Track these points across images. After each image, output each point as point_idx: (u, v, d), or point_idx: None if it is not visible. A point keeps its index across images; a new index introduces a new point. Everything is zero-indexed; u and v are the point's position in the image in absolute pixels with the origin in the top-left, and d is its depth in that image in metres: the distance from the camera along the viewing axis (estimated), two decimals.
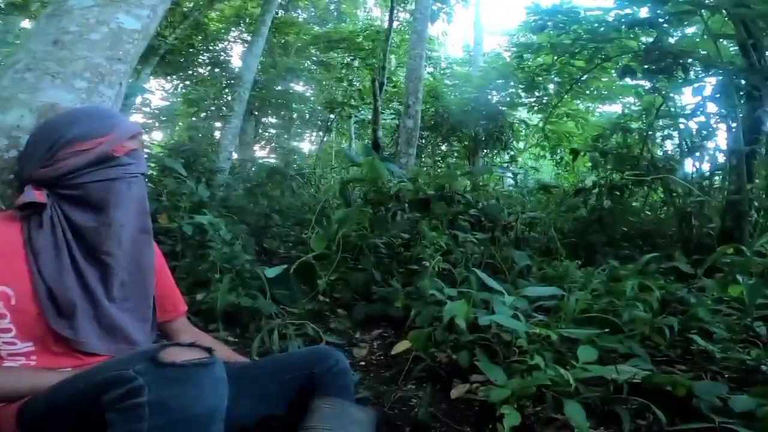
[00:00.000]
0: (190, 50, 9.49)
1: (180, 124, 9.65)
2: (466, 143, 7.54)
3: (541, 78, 6.44)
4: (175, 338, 1.33)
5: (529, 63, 6.61)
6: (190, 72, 10.27)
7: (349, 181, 2.57)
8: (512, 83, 7.22)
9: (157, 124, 9.29)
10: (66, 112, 1.09)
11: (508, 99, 7.32)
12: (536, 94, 6.84)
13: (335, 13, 10.93)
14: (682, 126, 4.15)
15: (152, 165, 3.74)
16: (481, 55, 10.77)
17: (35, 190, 0.96)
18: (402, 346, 1.96)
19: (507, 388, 1.13)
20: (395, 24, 9.49)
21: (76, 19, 1.45)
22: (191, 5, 8.38)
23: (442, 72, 10.53)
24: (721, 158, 3.46)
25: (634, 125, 4.85)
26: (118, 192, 1.02)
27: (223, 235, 2.17)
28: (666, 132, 4.75)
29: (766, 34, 3.18)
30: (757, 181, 2.64)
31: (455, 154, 7.86)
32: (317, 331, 2.09)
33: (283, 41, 9.66)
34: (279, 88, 8.86)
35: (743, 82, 3.32)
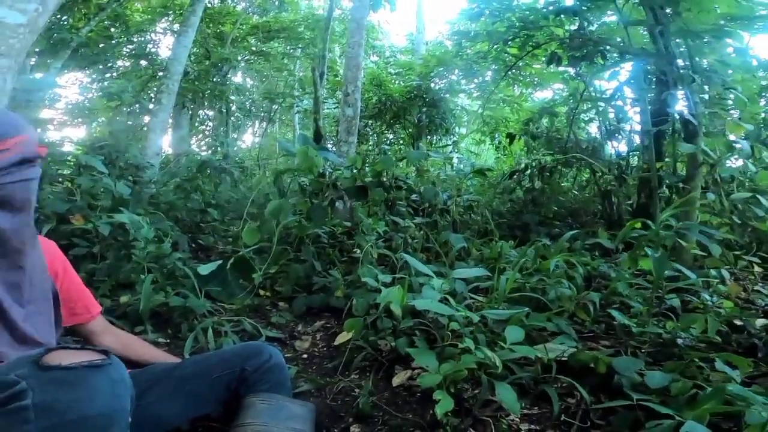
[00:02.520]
0: (111, 42, 8.76)
1: (102, 119, 8.89)
2: (410, 130, 7.60)
3: (478, 65, 6.60)
4: (92, 340, 1.30)
5: (467, 51, 6.75)
6: (110, 65, 9.49)
7: (282, 171, 2.49)
8: (452, 70, 7.34)
9: (72, 120, 8.49)
10: None
11: (449, 86, 7.45)
12: (475, 81, 7.01)
13: (276, 2, 10.49)
14: (601, 109, 4.44)
15: (68, 163, 3.41)
16: (423, 44, 10.84)
17: None
18: (344, 336, 1.95)
19: (439, 373, 1.14)
20: (338, 12, 9.29)
21: None
22: None
23: (385, 60, 10.49)
24: (636, 139, 3.75)
25: (562, 110, 5.12)
26: (34, 192, 1.00)
27: (145, 233, 2.02)
28: (588, 116, 5.05)
29: (672, 21, 3.45)
30: (666, 159, 2.88)
31: (400, 141, 7.91)
32: (255, 327, 2.02)
33: (218, 31, 9.16)
34: (215, 79, 8.39)
35: (653, 67, 3.60)
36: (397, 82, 8.41)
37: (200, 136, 11.06)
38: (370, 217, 2.37)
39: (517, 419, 1.25)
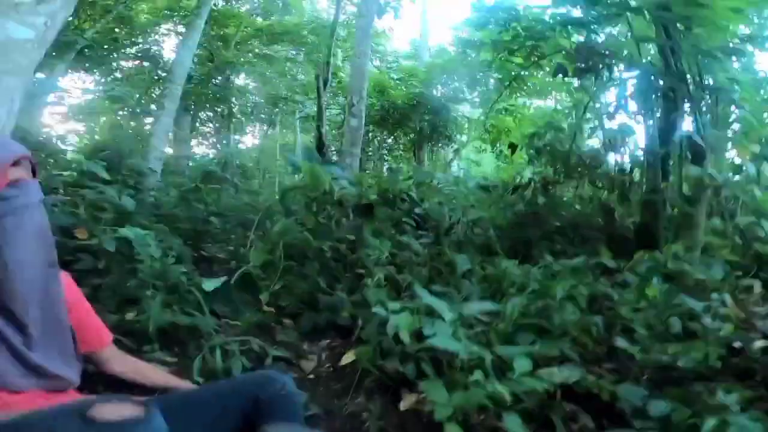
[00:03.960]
0: (115, 44, 8.75)
1: (105, 121, 8.87)
2: (411, 137, 7.63)
3: (482, 74, 6.63)
4: (105, 368, 1.30)
5: (471, 59, 6.78)
6: (114, 66, 9.47)
7: (289, 189, 2.50)
8: (455, 78, 7.37)
9: (74, 124, 8.47)
10: None
11: (451, 93, 7.48)
12: (478, 89, 7.04)
13: (280, 5, 10.50)
14: (606, 124, 4.46)
15: (71, 169, 3.41)
16: (426, 49, 10.87)
17: None
18: (350, 357, 1.96)
19: (449, 405, 1.16)
20: (342, 17, 9.31)
21: None
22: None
23: (388, 66, 10.50)
24: (639, 153, 3.76)
25: (564, 121, 5.14)
26: (6, 230, 0.93)
27: (152, 251, 2.02)
28: (591, 129, 5.07)
29: (684, 37, 3.47)
30: (671, 178, 2.90)
31: (401, 148, 7.94)
32: (263, 347, 2.02)
33: (222, 33, 9.16)
34: (217, 81, 8.40)
35: (661, 82, 3.62)
36: (399, 87, 8.43)
37: (200, 138, 11.05)
38: (376, 235, 2.37)
39: None
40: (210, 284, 2.25)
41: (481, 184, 3.17)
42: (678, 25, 3.25)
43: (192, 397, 1.22)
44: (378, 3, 5.90)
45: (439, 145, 7.82)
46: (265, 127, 11.87)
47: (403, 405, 1.58)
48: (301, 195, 2.45)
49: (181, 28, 8.75)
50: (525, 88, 6.27)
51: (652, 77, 3.58)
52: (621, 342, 1.44)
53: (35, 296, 1.00)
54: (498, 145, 7.07)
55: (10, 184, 0.94)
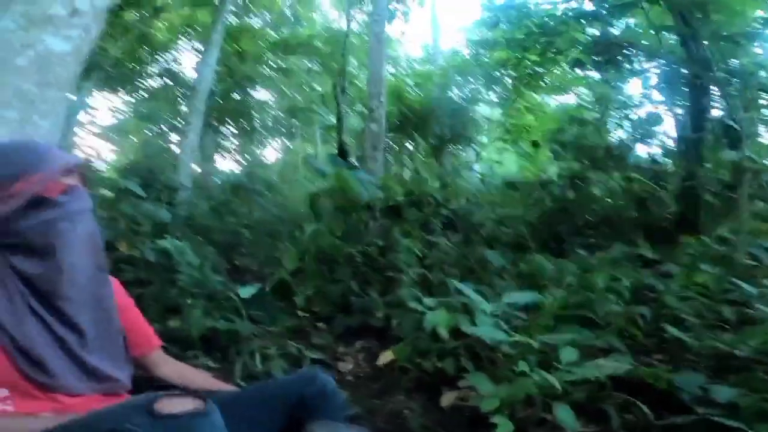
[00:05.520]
0: (138, 62, 9.06)
1: (134, 140, 9.19)
2: (431, 141, 7.62)
3: (498, 73, 6.59)
4: (153, 371, 1.31)
5: (486, 59, 6.76)
6: (140, 84, 9.80)
7: (318, 194, 2.53)
8: (471, 80, 7.34)
9: (105, 142, 8.81)
10: None
11: (469, 95, 7.45)
12: (495, 89, 6.99)
13: (291, 18, 10.71)
14: (633, 115, 4.36)
15: (108, 187, 3.55)
16: (439, 53, 10.89)
17: None
18: (386, 356, 1.96)
19: (496, 397, 1.14)
20: (354, 26, 9.43)
21: None
22: (135, 17, 8.00)
23: (403, 72, 10.55)
24: (670, 143, 3.66)
25: (591, 115, 5.04)
26: (61, 233, 0.95)
27: (190, 259, 2.08)
28: (617, 120, 4.96)
29: (703, 24, 3.37)
30: (707, 165, 2.80)
31: (421, 153, 7.94)
32: (300, 350, 2.05)
33: (238, 49, 9.39)
34: (237, 96, 8.60)
35: (684, 71, 3.52)
36: (415, 93, 8.44)
37: (224, 153, 11.31)
38: (405, 237, 2.37)
39: None
40: (246, 291, 2.29)
41: (508, 182, 3.13)
42: (695, 12, 3.17)
43: (241, 396, 1.24)
44: (388, 9, 5.95)
45: (460, 147, 7.78)
46: (285, 140, 12.07)
47: (444, 401, 1.56)
48: (329, 200, 2.48)
49: (198, 45, 9.00)
50: (543, 84, 6.19)
51: (675, 66, 3.50)
52: (673, 331, 1.38)
53: (87, 299, 1.02)
54: (520, 143, 6.99)
55: (64, 192, 0.97)
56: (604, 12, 4.79)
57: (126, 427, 0.74)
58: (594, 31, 5.12)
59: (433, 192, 2.57)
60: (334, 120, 9.95)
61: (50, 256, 0.93)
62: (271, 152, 14.36)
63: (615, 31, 4.86)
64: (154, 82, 10.14)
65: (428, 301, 1.48)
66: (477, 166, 7.98)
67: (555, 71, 6.39)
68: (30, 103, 1.30)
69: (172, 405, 0.77)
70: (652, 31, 4.38)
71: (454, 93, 7.73)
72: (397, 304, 2.12)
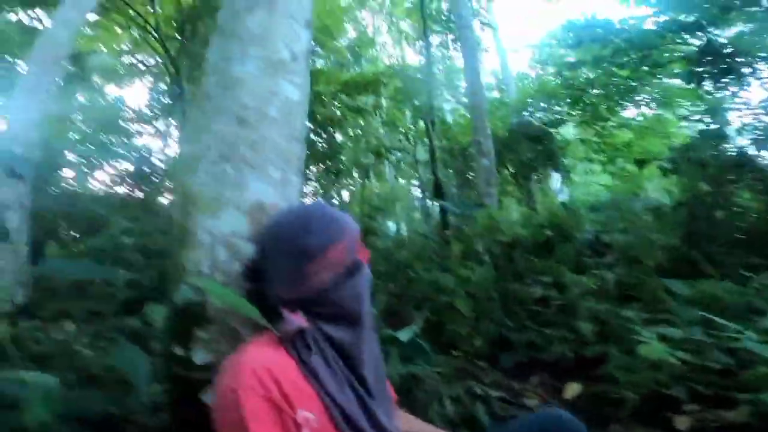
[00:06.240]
0: None
1: None
2: (516, 168, 7.58)
3: (585, 92, 6.49)
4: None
5: (568, 77, 6.69)
6: None
7: (472, 237, 2.62)
8: (553, 101, 7.29)
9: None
10: (288, 217, 0.99)
11: (552, 117, 7.39)
12: (580, 108, 6.86)
13: (351, 58, 11.19)
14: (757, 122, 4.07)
15: None
16: (511, 77, 10.94)
17: (291, 313, 0.91)
18: (573, 389, 1.98)
19: None
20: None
21: (250, 90, 1.19)
22: None
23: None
24: None
25: (696, 128, 4.77)
26: (365, 301, 0.96)
27: None
28: (737, 130, 4.64)
29: None
30: None
31: (508, 181, 7.89)
32: (484, 390, 2.09)
33: (316, 91, 9.84)
34: (322, 139, 9.14)
35: None
36: (494, 121, 8.50)
37: (310, 195, 11.92)
38: (560, 272, 2.39)
39: None
40: (404, 334, 2.38)
41: (650, 207, 3.05)
42: None
43: None
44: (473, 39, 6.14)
45: (546, 171, 7.64)
46: (360, 179, 12.49)
47: (681, 425, 1.54)
48: (477, 239, 2.58)
49: None
50: (641, 100, 5.98)
51: None
52: None
53: (371, 360, 1.03)
54: (615, 162, 6.72)
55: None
56: (705, 22, 4.63)
57: None
58: (695, 41, 4.93)
59: (586, 223, 2.58)
60: (405, 155, 10.23)
61: (357, 323, 0.95)
62: (344, 193, 14.88)
63: (722, 40, 4.64)
64: None
65: (646, 333, 1.50)
66: (565, 190, 7.77)
67: (648, 85, 6.17)
68: (286, 160, 1.20)
69: None
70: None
71: (535, 116, 7.69)
72: (573, 339, 2.13)
